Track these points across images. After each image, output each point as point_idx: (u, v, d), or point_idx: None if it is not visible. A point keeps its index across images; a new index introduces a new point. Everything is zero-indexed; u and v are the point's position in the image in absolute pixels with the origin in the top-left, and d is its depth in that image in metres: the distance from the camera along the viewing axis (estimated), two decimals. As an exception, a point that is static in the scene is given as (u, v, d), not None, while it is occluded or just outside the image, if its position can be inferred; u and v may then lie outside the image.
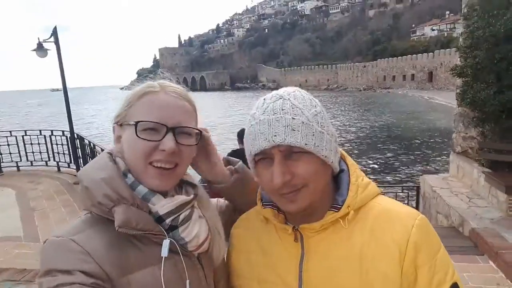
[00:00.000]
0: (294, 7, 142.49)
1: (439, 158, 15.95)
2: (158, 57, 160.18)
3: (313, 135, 0.76)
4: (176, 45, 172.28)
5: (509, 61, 5.32)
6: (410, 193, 7.35)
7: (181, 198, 0.85)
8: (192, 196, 0.89)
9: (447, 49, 53.79)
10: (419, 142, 20.31)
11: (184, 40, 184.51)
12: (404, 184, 10.26)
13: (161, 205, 0.82)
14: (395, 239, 0.78)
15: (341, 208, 0.82)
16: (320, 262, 0.82)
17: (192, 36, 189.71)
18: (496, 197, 5.28)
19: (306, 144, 0.74)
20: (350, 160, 0.90)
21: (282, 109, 0.76)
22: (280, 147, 0.75)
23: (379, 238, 0.79)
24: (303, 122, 0.75)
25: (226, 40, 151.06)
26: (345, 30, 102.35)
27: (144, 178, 0.82)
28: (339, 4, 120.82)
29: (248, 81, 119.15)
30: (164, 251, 0.79)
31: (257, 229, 0.95)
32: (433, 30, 72.63)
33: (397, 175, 14.22)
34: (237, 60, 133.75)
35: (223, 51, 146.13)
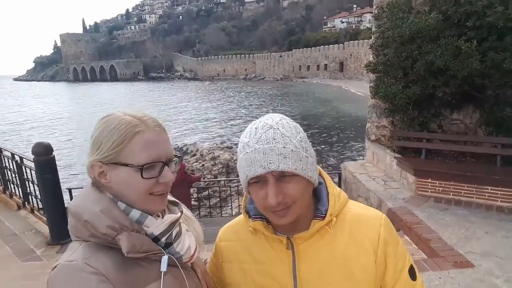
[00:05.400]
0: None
1: (355, 145, 17.45)
2: (59, 44, 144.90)
3: (301, 160, 0.88)
4: (80, 30, 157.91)
5: (413, 59, 6.08)
6: (333, 180, 7.99)
7: (171, 217, 0.94)
8: (179, 214, 0.98)
9: (356, 41, 58.45)
10: (337, 130, 21.90)
11: (90, 26, 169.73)
12: (328, 172, 11.17)
13: (156, 226, 0.90)
14: (369, 237, 0.96)
15: (325, 216, 0.95)
16: (311, 264, 0.96)
17: (98, 21, 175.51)
18: (406, 179, 6.06)
19: (295, 168, 0.86)
20: (325, 174, 1.03)
21: (274, 139, 0.86)
22: (273, 172, 0.86)
23: (357, 238, 0.96)
24: (292, 150, 0.87)
25: (137, 26, 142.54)
26: (260, 19, 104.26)
27: (146, 206, 0.89)
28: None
29: (163, 70, 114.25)
30: (163, 266, 0.88)
31: (247, 240, 1.05)
32: (342, 22, 78.49)
33: (321, 161, 15.23)
34: (150, 48, 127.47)
35: (135, 39, 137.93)
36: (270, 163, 0.85)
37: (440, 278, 3.42)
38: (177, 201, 1.04)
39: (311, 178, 0.92)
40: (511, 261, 3.69)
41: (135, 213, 0.88)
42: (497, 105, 5.89)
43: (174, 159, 0.93)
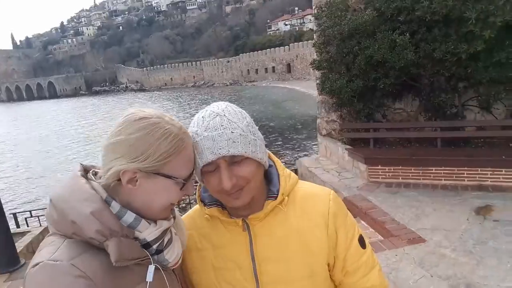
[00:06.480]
0: (149, 3, 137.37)
1: (308, 141, 17.93)
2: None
3: (249, 143, 0.91)
4: (10, 46, 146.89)
5: (354, 54, 6.40)
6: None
7: (164, 224, 0.91)
8: (172, 220, 0.96)
9: (300, 42, 59.90)
10: (289, 128, 22.35)
11: (20, 41, 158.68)
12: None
13: (149, 233, 0.86)
14: (320, 212, 1.02)
15: (277, 196, 1.00)
16: (267, 242, 1.00)
17: (30, 36, 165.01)
18: (358, 168, 6.35)
19: (245, 152, 0.90)
20: (274, 157, 1.09)
21: (221, 125, 0.89)
22: (224, 157, 0.89)
23: (309, 214, 1.02)
24: (240, 134, 0.89)
25: (74, 39, 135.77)
26: (204, 26, 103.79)
27: (161, 215, 0.89)
28: (196, 0, 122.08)
29: (107, 83, 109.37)
30: (149, 276, 0.85)
31: (204, 228, 1.07)
32: (286, 25, 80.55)
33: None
34: (91, 62, 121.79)
35: (73, 52, 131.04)
36: (220, 148, 0.87)
37: (396, 255, 3.63)
38: None
39: (261, 160, 0.95)
40: (456, 232, 4.03)
41: (129, 217, 0.83)
42: (433, 92, 6.38)
43: None
